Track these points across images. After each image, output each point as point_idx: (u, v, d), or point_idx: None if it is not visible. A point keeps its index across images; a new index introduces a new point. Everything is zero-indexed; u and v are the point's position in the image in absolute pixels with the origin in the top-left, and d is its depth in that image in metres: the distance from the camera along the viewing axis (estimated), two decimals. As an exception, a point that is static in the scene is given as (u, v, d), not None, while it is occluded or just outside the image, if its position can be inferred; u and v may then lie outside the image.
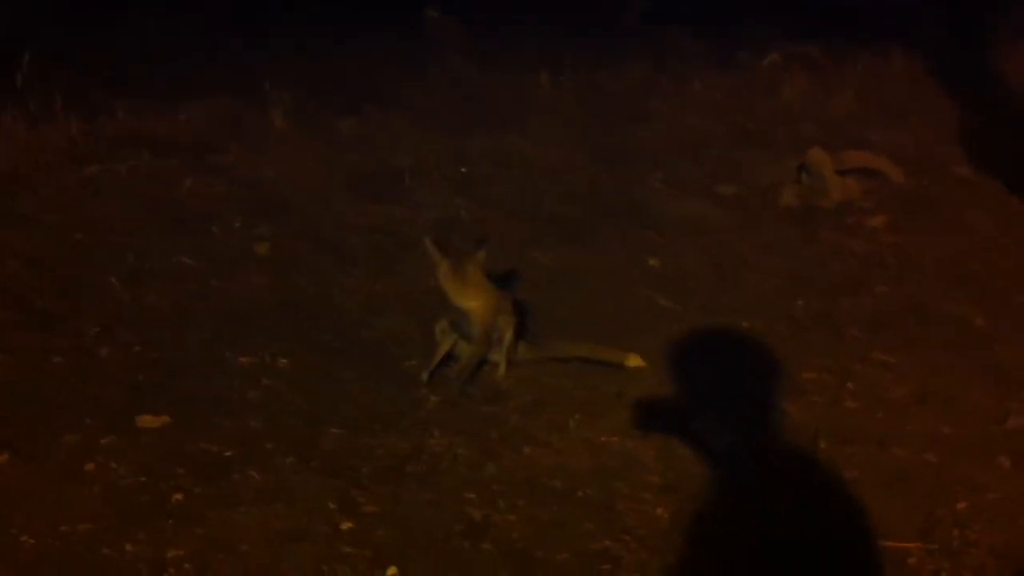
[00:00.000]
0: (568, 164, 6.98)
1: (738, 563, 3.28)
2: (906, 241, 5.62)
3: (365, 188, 6.43)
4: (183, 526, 3.46)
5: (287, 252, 5.52)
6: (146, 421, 4.02)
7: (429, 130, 7.47)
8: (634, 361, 4.37)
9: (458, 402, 4.21)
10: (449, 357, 4.38)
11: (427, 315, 4.57)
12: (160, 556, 3.33)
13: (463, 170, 6.54)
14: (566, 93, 8.45)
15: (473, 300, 4.23)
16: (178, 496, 3.61)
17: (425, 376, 4.28)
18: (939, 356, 4.45)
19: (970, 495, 3.56)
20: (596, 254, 5.64)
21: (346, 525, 3.48)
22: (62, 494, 3.59)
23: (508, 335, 4.34)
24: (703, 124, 7.79)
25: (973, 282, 5.13)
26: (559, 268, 5.47)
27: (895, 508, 3.51)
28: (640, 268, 5.46)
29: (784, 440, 3.91)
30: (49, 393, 4.16)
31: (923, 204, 6.15)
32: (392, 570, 3.29)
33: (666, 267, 5.46)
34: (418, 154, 6.97)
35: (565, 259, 5.57)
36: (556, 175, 6.80)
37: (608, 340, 4.57)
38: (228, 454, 3.84)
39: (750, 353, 4.53)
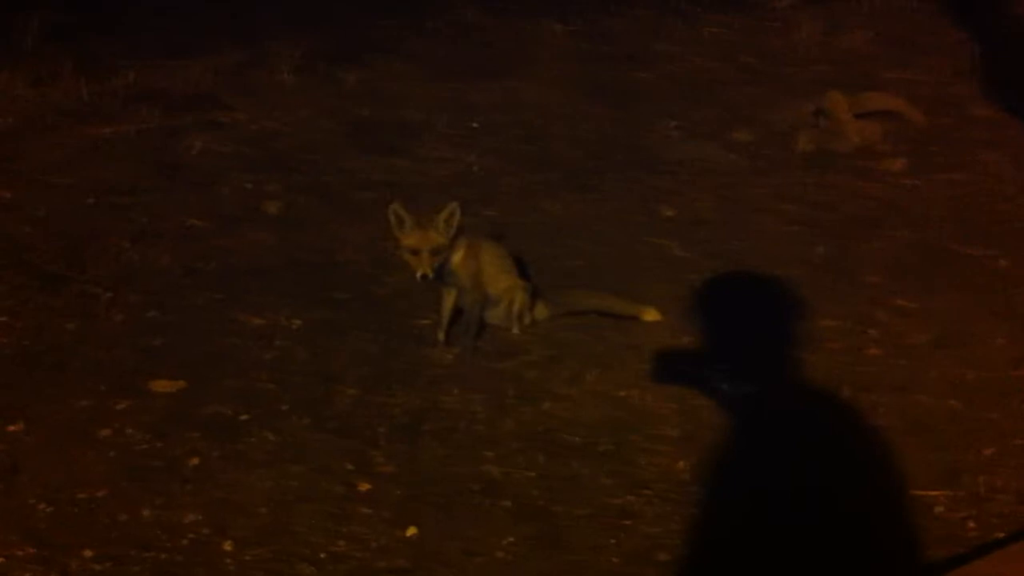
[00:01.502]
0: (578, 110, 6.88)
1: (757, 515, 3.25)
2: (925, 184, 5.53)
3: (374, 142, 6.36)
4: (200, 489, 3.45)
5: (297, 209, 5.47)
6: (160, 385, 4.00)
7: (436, 80, 7.37)
8: (650, 315, 4.31)
9: (473, 359, 4.16)
10: (459, 314, 4.33)
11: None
12: (178, 520, 3.32)
13: (474, 125, 6.44)
14: (574, 38, 8.32)
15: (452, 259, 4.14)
16: (194, 460, 3.59)
17: (440, 335, 4.23)
18: (960, 300, 4.38)
19: (995, 441, 3.51)
20: (608, 202, 5.56)
21: (363, 486, 3.46)
22: (78, 460, 3.58)
23: (517, 301, 4.27)
24: (714, 66, 7.66)
25: (994, 224, 5.04)
26: (571, 217, 5.40)
27: (920, 456, 3.47)
28: (653, 216, 5.39)
29: (805, 388, 3.85)
30: (61, 358, 4.14)
31: (942, 145, 6.04)
32: (412, 530, 3.26)
33: (679, 214, 5.38)
34: (426, 105, 6.88)
35: (577, 208, 5.50)
36: (566, 122, 6.71)
37: (622, 290, 4.51)
38: (243, 417, 3.82)
39: (767, 301, 4.47)
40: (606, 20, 8.49)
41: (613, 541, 3.19)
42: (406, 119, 6.71)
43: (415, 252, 4.04)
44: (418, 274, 4.05)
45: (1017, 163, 5.80)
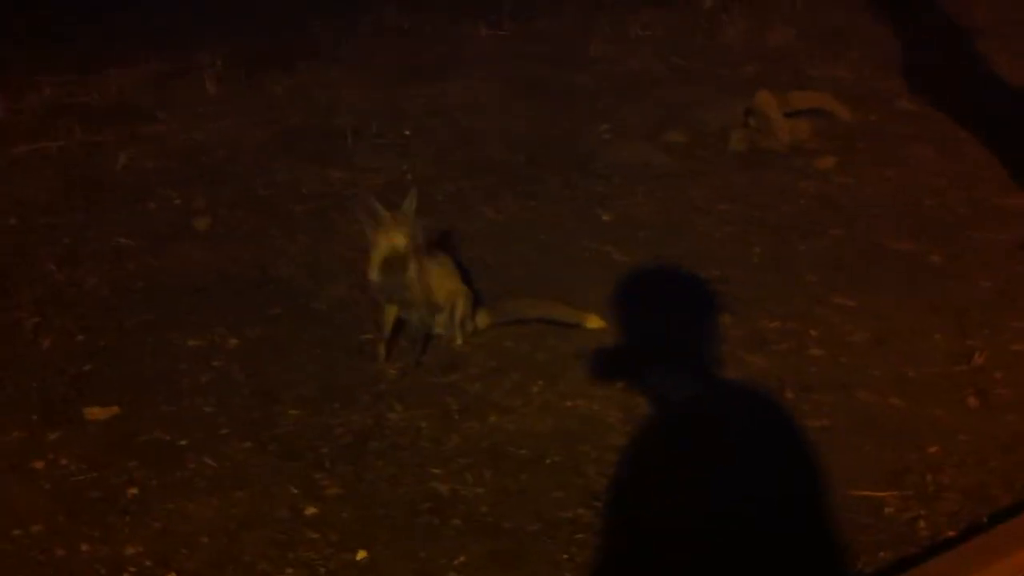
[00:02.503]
0: (511, 114, 6.84)
1: (704, 523, 3.23)
2: (857, 181, 5.57)
3: (304, 151, 6.26)
4: (139, 521, 3.34)
5: (228, 223, 5.36)
6: (94, 413, 3.88)
7: (367, 85, 7.29)
8: (593, 322, 4.27)
9: (416, 373, 4.09)
10: (400, 326, 4.26)
11: (368, 284, 4.40)
12: (118, 554, 3.21)
13: (407, 132, 6.37)
14: (503, 40, 8.30)
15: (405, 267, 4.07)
16: (132, 490, 3.49)
17: (382, 350, 4.16)
18: (898, 297, 4.41)
19: (940, 438, 3.54)
20: (545, 206, 5.53)
21: (309, 509, 3.38)
22: (11, 494, 3.45)
23: (460, 307, 4.22)
24: (645, 66, 7.68)
25: (926, 219, 5.10)
26: (508, 223, 5.36)
27: (866, 455, 3.48)
28: (591, 220, 5.36)
29: (747, 390, 3.85)
30: (-10, 388, 4.00)
31: (871, 142, 6.10)
32: (362, 553, 3.20)
33: (617, 218, 5.36)
34: (357, 112, 6.80)
35: (514, 213, 5.46)
36: (499, 125, 6.66)
37: (562, 297, 4.47)
38: (182, 442, 3.71)
39: (708, 303, 4.46)
40: (535, 21, 8.48)
41: (566, 556, 3.15)
42: (337, 126, 6.62)
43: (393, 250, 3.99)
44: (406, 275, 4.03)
45: (945, 157, 5.88)
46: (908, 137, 6.18)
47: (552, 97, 7.09)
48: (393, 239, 3.99)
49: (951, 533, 3.14)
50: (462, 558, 3.16)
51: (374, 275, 4.08)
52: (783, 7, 8.58)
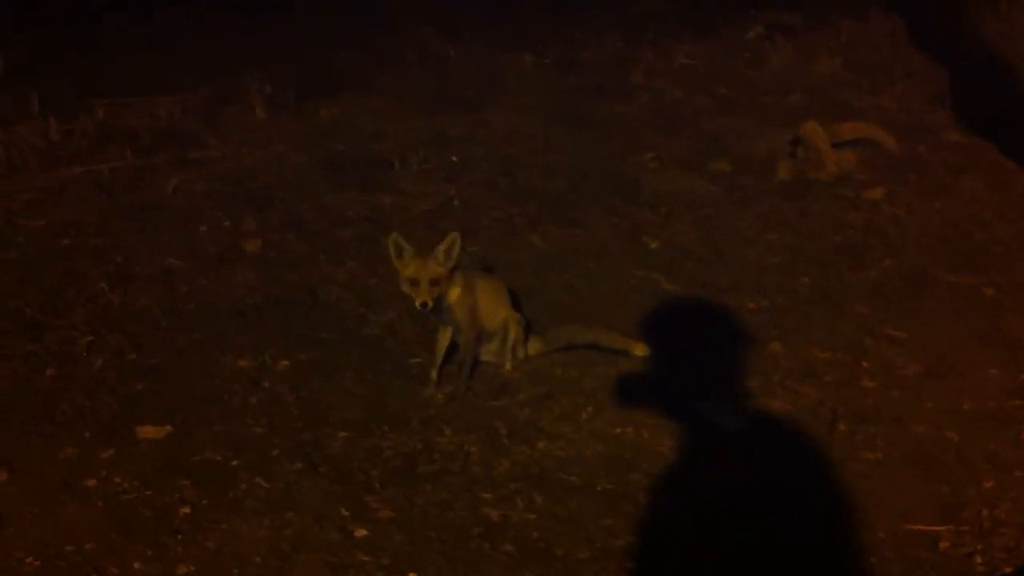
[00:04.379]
0: (554, 142, 6.86)
1: (762, 554, 3.21)
2: (905, 212, 5.54)
3: (351, 177, 6.30)
4: (192, 540, 3.36)
5: (276, 247, 5.40)
6: (146, 431, 3.91)
7: (411, 113, 7.34)
8: (640, 350, 4.26)
9: (465, 398, 4.10)
10: (452, 352, 4.27)
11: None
12: (170, 573, 3.24)
13: (453, 159, 6.40)
14: (545, 69, 8.33)
15: (448, 295, 4.06)
16: (184, 509, 3.51)
17: (434, 374, 4.17)
18: (949, 329, 4.38)
19: (995, 473, 3.49)
20: (592, 235, 5.53)
21: (360, 532, 3.39)
22: (64, 512, 3.49)
23: (512, 333, 4.23)
24: (688, 96, 7.68)
25: (976, 251, 5.06)
26: (556, 251, 5.36)
27: (920, 489, 3.45)
28: (638, 248, 5.36)
29: (801, 422, 3.82)
30: (45, 406, 4.04)
31: (919, 172, 6.07)
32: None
33: (663, 246, 5.36)
34: (402, 139, 6.84)
35: (561, 241, 5.47)
36: (542, 153, 6.68)
37: (610, 324, 4.47)
38: (233, 462, 3.74)
39: (756, 333, 4.44)
40: (576, 51, 8.50)
41: (618, 584, 3.14)
42: (381, 153, 6.66)
43: (414, 282, 3.96)
44: (417, 303, 3.96)
45: (993, 189, 5.83)
46: (956, 168, 6.14)
47: (594, 126, 7.10)
48: (412, 272, 3.98)
49: (1008, 569, 3.10)
50: (513, 584, 3.15)
51: (412, 302, 4.06)
52: (828, 39, 8.55)
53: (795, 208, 5.68)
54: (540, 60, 8.41)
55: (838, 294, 4.73)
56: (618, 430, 3.84)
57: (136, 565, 3.26)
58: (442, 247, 3.98)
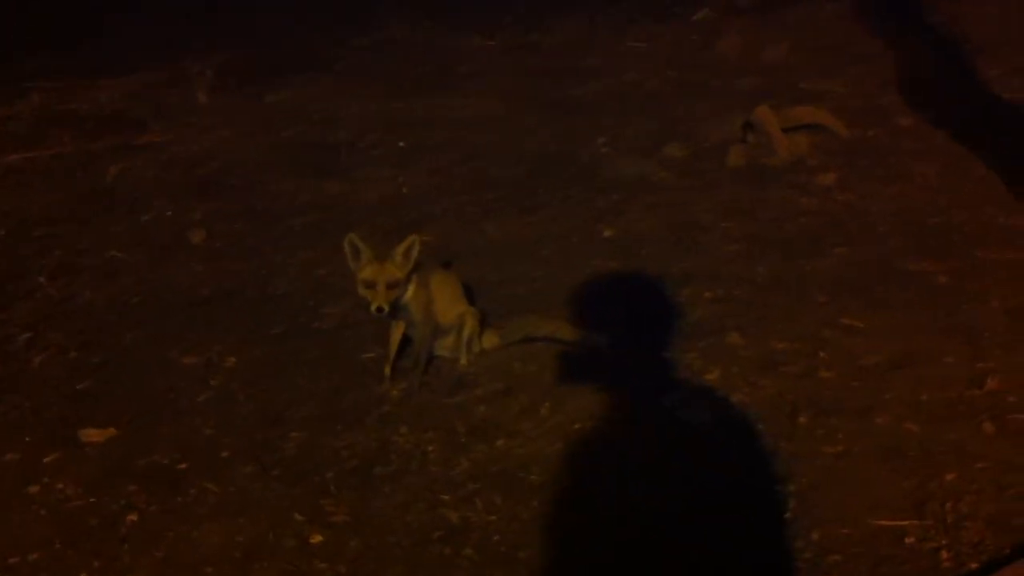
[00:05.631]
0: (509, 128, 6.78)
1: (725, 548, 3.16)
2: (859, 198, 5.51)
3: (301, 163, 6.18)
4: (140, 549, 3.26)
5: (224, 237, 5.27)
6: (90, 434, 3.79)
7: (362, 98, 7.23)
8: (600, 341, 4.19)
9: (421, 395, 4.00)
10: (406, 347, 4.17)
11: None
12: (119, 584, 3.12)
13: (401, 144, 6.29)
14: (502, 54, 8.25)
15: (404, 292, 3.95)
16: (132, 516, 3.40)
17: (388, 370, 4.07)
18: (908, 318, 4.34)
19: (958, 465, 3.46)
20: (547, 223, 5.45)
21: (316, 538, 3.29)
22: (6, 520, 3.37)
23: (467, 327, 4.13)
24: (641, 80, 7.64)
25: (931, 238, 5.03)
26: (511, 240, 5.28)
27: (884, 482, 3.40)
28: (593, 236, 5.29)
29: (761, 414, 3.78)
30: (-17, 408, 3.90)
31: (871, 158, 6.04)
32: (370, 584, 3.11)
33: (619, 234, 5.29)
34: (353, 124, 6.73)
35: (515, 229, 5.39)
36: (497, 139, 6.60)
37: (568, 315, 4.39)
38: (182, 466, 3.63)
39: (715, 323, 4.39)
40: (532, 35, 8.43)
41: (584, 588, 3.07)
42: (333, 139, 6.55)
43: (371, 285, 3.86)
44: (373, 307, 3.86)
45: (946, 174, 5.82)
46: (908, 153, 6.12)
47: (550, 111, 7.03)
48: (369, 275, 3.87)
49: (974, 565, 3.07)
50: (476, 590, 3.08)
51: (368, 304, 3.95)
52: (778, 22, 8.54)
53: (749, 194, 5.63)
54: (495, 44, 8.32)
55: (796, 283, 4.68)
56: (578, 426, 3.76)
57: (82, 576, 3.14)
58: (400, 249, 3.88)
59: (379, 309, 3.84)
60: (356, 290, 3.92)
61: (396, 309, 3.94)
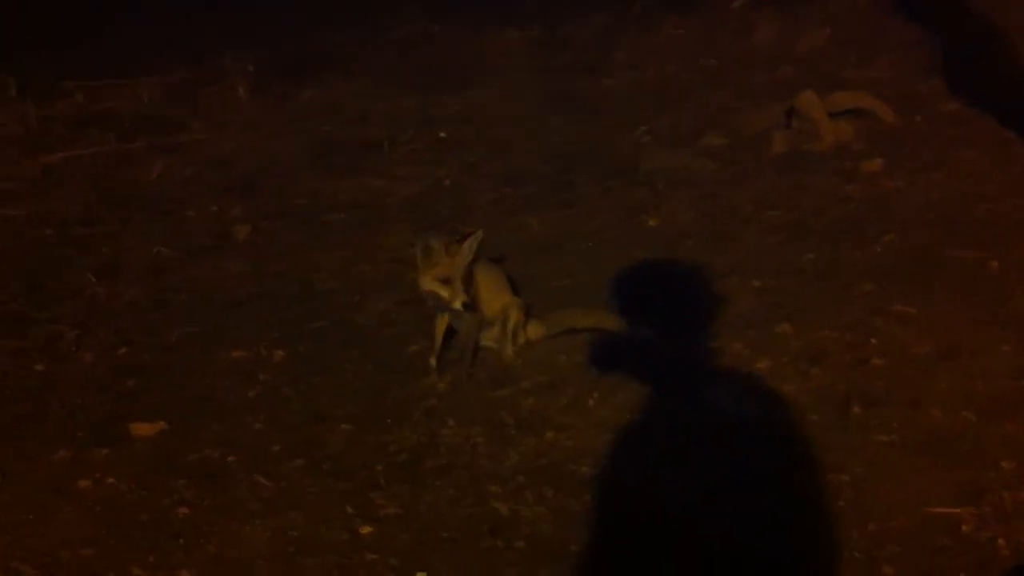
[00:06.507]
0: (544, 120, 6.75)
1: (774, 541, 3.12)
2: (906, 184, 5.44)
3: (338, 160, 6.19)
4: (193, 544, 3.26)
5: (265, 234, 5.29)
6: (140, 429, 3.80)
7: (396, 94, 7.22)
8: (645, 333, 4.16)
9: (468, 387, 3.99)
10: (450, 339, 4.16)
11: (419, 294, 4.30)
12: (172, 579, 3.13)
13: (442, 135, 6.28)
14: (533, 47, 8.21)
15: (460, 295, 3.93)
16: (183, 510, 3.40)
17: (433, 362, 4.06)
18: (958, 306, 4.27)
19: (1014, 454, 3.40)
20: (587, 215, 5.43)
21: (366, 530, 3.28)
22: (59, 516, 3.38)
23: (512, 319, 4.12)
24: (677, 71, 7.58)
25: (979, 225, 4.96)
26: (552, 233, 5.26)
27: (939, 472, 3.36)
28: (635, 228, 5.26)
29: (811, 406, 3.73)
30: (33, 405, 3.93)
31: (917, 144, 5.96)
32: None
33: (662, 226, 5.25)
34: (389, 121, 6.73)
35: (557, 222, 5.36)
36: (533, 133, 6.58)
37: (611, 308, 4.36)
38: (231, 459, 3.63)
39: (763, 314, 4.35)
40: (563, 27, 8.38)
41: (637, 579, 3.04)
42: (368, 135, 6.55)
43: (448, 281, 3.86)
44: (456, 303, 3.89)
45: (992, 160, 5.73)
46: (954, 139, 6.03)
47: (584, 103, 7.00)
48: (445, 272, 3.89)
49: (1033, 553, 3.03)
50: (527, 582, 3.06)
51: (427, 295, 3.97)
52: (814, 10, 8.44)
53: (792, 182, 5.57)
54: (526, 37, 8.29)
55: (842, 271, 4.63)
56: (627, 418, 3.74)
57: (136, 571, 3.15)
58: (467, 243, 3.89)
59: (464, 305, 3.88)
60: (424, 288, 3.93)
61: (441, 300, 3.92)
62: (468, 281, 3.95)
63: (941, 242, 4.82)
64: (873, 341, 4.08)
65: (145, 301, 4.61)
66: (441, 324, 4.08)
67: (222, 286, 4.73)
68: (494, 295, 4.13)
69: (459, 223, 5.28)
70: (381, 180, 5.93)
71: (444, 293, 3.89)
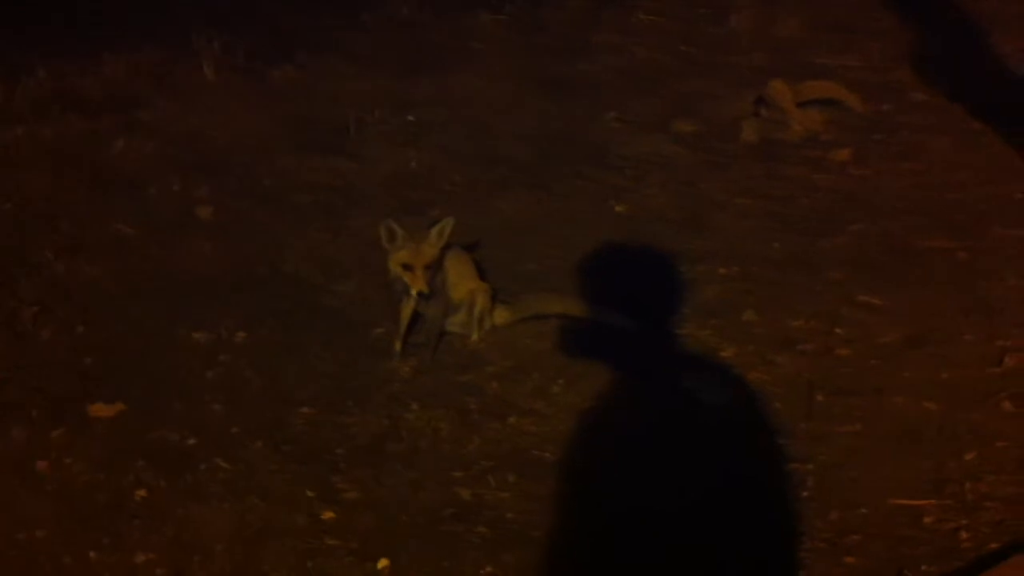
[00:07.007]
0: (518, 104, 6.69)
1: (740, 527, 3.12)
2: (874, 174, 5.45)
3: (307, 141, 6.09)
4: (150, 526, 3.20)
5: (231, 214, 5.20)
6: (98, 410, 3.73)
7: (369, 75, 7.12)
8: (614, 319, 4.13)
9: (432, 371, 3.95)
10: (415, 322, 4.12)
11: (387, 278, 4.26)
12: (128, 562, 3.08)
13: (410, 118, 6.22)
14: (508, 29, 8.13)
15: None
16: (141, 492, 3.35)
17: (398, 346, 4.02)
18: (924, 295, 4.29)
19: (977, 444, 3.42)
20: (559, 200, 5.39)
21: (327, 515, 3.25)
22: (14, 497, 3.31)
23: (479, 303, 4.09)
24: (651, 56, 7.54)
25: (948, 214, 4.98)
26: (522, 217, 5.22)
27: (902, 462, 3.37)
28: (605, 213, 5.23)
29: (776, 393, 3.73)
30: (-11, 382, 3.85)
31: (886, 133, 5.98)
32: (383, 562, 3.07)
33: (632, 210, 5.23)
34: (360, 102, 6.63)
35: (527, 207, 5.32)
36: (506, 116, 6.51)
37: (579, 292, 4.33)
38: (191, 442, 3.58)
39: (731, 300, 4.34)
40: (539, 10, 8.31)
41: (599, 568, 3.02)
42: (339, 116, 6.45)
43: (409, 268, 3.82)
44: (414, 290, 3.86)
45: (963, 150, 5.76)
46: (923, 128, 6.06)
47: (559, 87, 6.94)
48: (407, 258, 3.85)
49: (994, 545, 3.03)
50: (488, 568, 3.04)
51: (395, 285, 3.94)
52: (789, -3, 8.44)
53: (763, 170, 5.57)
54: (501, 19, 8.22)
55: (811, 260, 4.64)
56: (592, 405, 3.72)
57: (92, 554, 3.10)
58: (435, 231, 3.85)
59: (420, 293, 3.83)
60: (391, 272, 3.90)
61: (406, 286, 3.89)
62: (436, 267, 3.92)
63: (910, 231, 4.84)
64: (839, 330, 4.09)
65: (106, 279, 4.52)
66: (407, 308, 4.04)
67: (185, 265, 4.65)
68: (461, 280, 4.10)
69: (430, 206, 5.24)
70: (351, 162, 5.85)
71: (408, 279, 3.84)
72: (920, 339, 3.99)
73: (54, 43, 6.89)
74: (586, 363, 3.95)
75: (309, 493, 3.33)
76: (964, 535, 3.06)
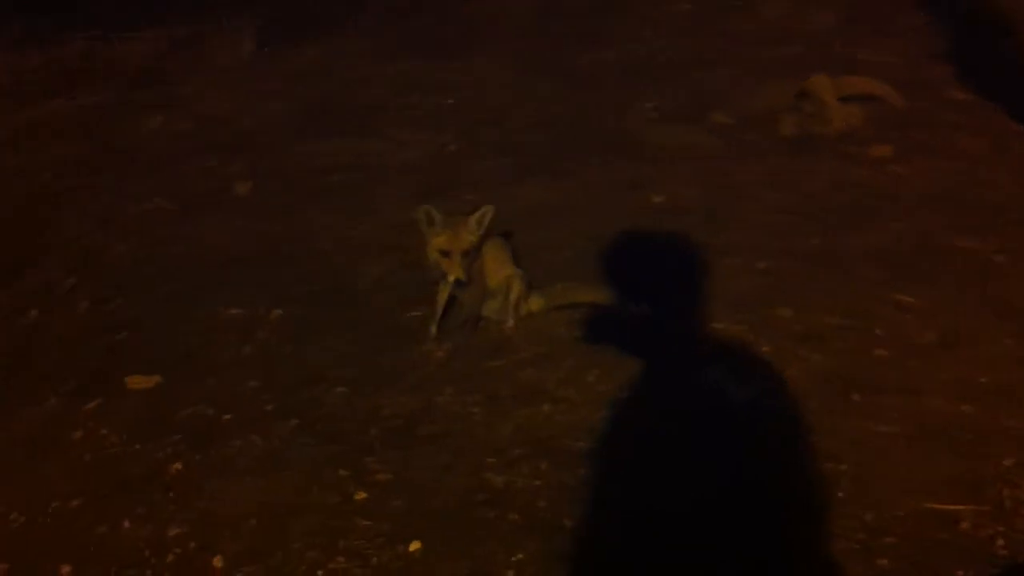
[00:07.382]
0: (543, 90, 6.68)
1: (770, 526, 3.11)
2: (913, 172, 5.40)
3: (336, 121, 6.11)
4: (183, 499, 3.23)
5: (263, 193, 5.22)
6: (135, 382, 3.76)
7: (395, 58, 7.14)
8: (645, 311, 4.12)
9: (465, 356, 3.95)
10: (450, 306, 4.12)
11: (424, 262, 4.24)
12: (161, 534, 3.10)
13: (450, 101, 6.20)
14: (533, 15, 8.12)
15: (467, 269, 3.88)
16: (176, 465, 3.37)
17: (433, 329, 4.02)
18: (961, 296, 4.25)
19: (1014, 450, 3.38)
20: (591, 189, 5.37)
21: (359, 495, 3.25)
22: (50, 466, 3.35)
23: (514, 290, 4.08)
24: (681, 46, 7.51)
25: (985, 214, 4.92)
26: (548, 204, 5.20)
27: (939, 465, 3.33)
28: (636, 202, 5.20)
29: (811, 391, 3.70)
30: (26, 352, 3.88)
31: (924, 131, 5.92)
32: (415, 545, 3.07)
33: (665, 202, 5.20)
34: (386, 84, 6.64)
35: (555, 194, 5.30)
36: (532, 102, 6.51)
37: (610, 282, 4.31)
38: (226, 417, 3.59)
39: (764, 295, 4.31)
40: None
41: (630, 557, 3.01)
42: (367, 98, 6.47)
43: (446, 254, 3.82)
44: (451, 277, 3.85)
45: (1000, 150, 5.70)
46: (961, 127, 5.99)
47: (585, 75, 6.92)
48: (444, 244, 3.84)
49: (1030, 551, 3.01)
50: (520, 555, 3.03)
51: (432, 270, 3.93)
52: (824, -12, 8.37)
53: (798, 164, 5.53)
54: (527, 5, 8.18)
55: (846, 256, 4.59)
56: (626, 395, 3.70)
57: (126, 524, 3.13)
58: (474, 218, 3.83)
59: (457, 281, 3.82)
60: (427, 257, 3.89)
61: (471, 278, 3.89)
62: (474, 254, 3.91)
63: (946, 230, 4.79)
64: (875, 329, 4.04)
65: (141, 253, 4.55)
66: (443, 292, 4.03)
67: (218, 242, 4.67)
68: (498, 266, 4.09)
69: (457, 190, 5.23)
70: (377, 143, 5.86)
71: (444, 265, 3.83)
72: (956, 340, 3.95)
73: (91, 18, 6.92)
74: (618, 353, 3.93)
75: (342, 472, 3.33)
76: (1000, 542, 3.03)
